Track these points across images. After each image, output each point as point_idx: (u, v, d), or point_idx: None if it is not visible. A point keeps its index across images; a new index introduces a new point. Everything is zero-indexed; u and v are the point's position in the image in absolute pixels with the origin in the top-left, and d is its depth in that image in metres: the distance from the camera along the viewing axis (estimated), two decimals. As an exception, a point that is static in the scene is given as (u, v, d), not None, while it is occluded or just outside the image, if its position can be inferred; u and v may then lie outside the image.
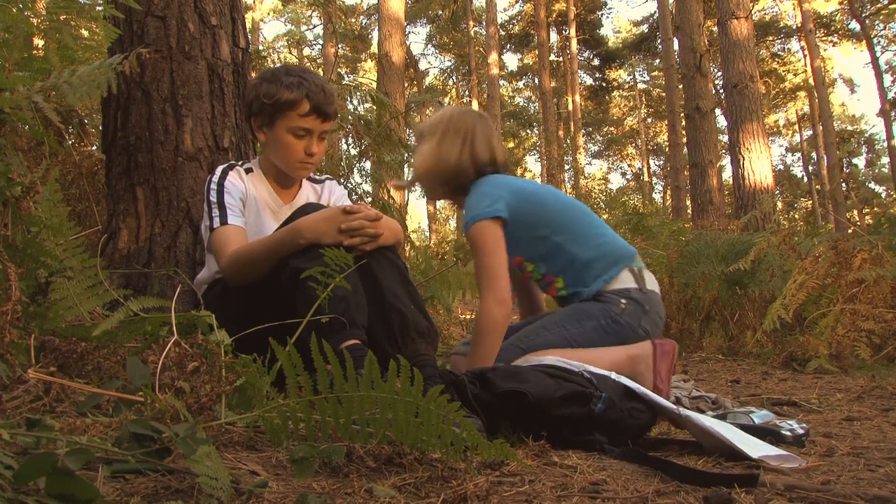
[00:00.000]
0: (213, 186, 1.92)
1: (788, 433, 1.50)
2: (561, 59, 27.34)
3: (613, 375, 1.60)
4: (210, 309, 1.67)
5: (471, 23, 24.34)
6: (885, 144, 24.99)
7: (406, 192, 5.03)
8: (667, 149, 22.99)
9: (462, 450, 1.06)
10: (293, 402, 1.07)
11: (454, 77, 32.40)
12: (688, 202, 13.39)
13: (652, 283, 2.05)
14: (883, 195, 30.52)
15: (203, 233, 1.95)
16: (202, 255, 2.22)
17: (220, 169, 1.98)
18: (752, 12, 10.54)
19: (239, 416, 1.17)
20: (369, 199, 3.97)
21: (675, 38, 14.66)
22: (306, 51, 29.69)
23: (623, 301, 1.96)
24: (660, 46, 20.06)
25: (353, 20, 27.11)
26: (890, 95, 23.82)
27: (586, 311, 1.97)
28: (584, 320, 1.95)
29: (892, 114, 22.14)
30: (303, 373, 1.07)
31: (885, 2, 22.28)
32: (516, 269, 2.14)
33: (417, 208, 46.51)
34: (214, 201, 1.89)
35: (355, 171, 4.21)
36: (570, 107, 23.12)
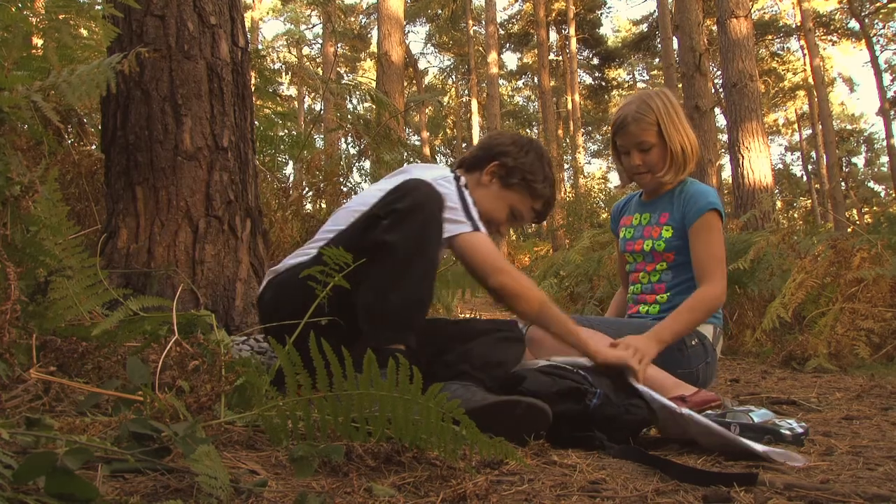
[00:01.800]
0: (462, 189, 1.80)
1: (788, 432, 1.50)
2: (560, 58, 27.33)
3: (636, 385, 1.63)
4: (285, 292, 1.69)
5: (470, 22, 24.34)
6: (885, 143, 25.02)
7: None
8: (666, 148, 22.89)
9: (461, 447, 1.06)
10: (291, 401, 1.07)
11: (453, 76, 32.42)
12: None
13: (718, 349, 2.19)
14: (882, 194, 30.55)
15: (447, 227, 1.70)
16: (201, 255, 2.22)
17: (449, 172, 1.89)
18: (752, 11, 10.54)
19: (238, 416, 1.17)
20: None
21: (674, 38, 14.66)
22: (305, 50, 29.71)
23: (695, 340, 2.08)
24: (659, 45, 20.07)
25: (353, 19, 27.11)
26: (889, 94, 23.84)
27: None
28: None
29: (892, 113, 22.15)
30: (302, 371, 1.07)
31: (885, 1, 22.28)
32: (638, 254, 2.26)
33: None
34: (468, 204, 1.77)
35: (354, 169, 4.21)
36: (570, 106, 23.12)
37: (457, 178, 1.83)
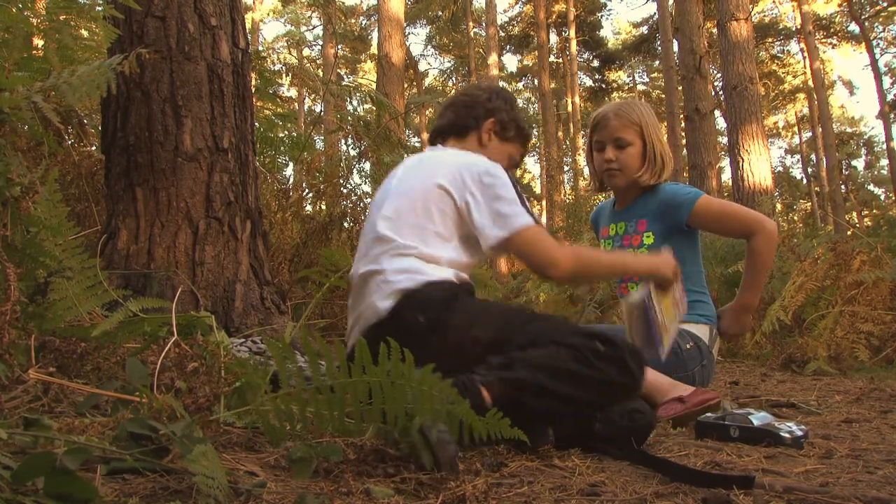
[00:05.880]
0: (509, 177, 1.74)
1: (787, 435, 1.50)
2: (560, 60, 27.34)
3: None
4: (435, 309, 1.55)
5: (470, 24, 24.34)
6: (885, 146, 25.02)
7: None
8: (666, 150, 22.90)
9: (457, 426, 1.07)
10: (285, 395, 1.07)
11: (454, 78, 32.41)
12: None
13: (716, 351, 2.21)
14: (882, 197, 30.56)
15: (497, 222, 1.66)
16: (201, 256, 2.22)
17: (486, 160, 1.79)
18: (752, 14, 10.55)
19: (235, 412, 1.17)
20: (368, 199, 3.97)
21: (674, 40, 14.67)
22: (306, 51, 29.72)
23: (690, 343, 2.08)
24: (659, 48, 20.07)
25: (353, 21, 27.12)
26: (889, 97, 23.86)
27: None
28: None
29: (892, 116, 22.15)
30: (294, 365, 1.07)
31: (885, 4, 22.30)
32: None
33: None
34: (516, 195, 1.71)
35: (354, 171, 4.21)
36: (570, 108, 23.12)
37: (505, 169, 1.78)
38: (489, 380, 1.35)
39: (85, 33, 2.36)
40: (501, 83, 24.57)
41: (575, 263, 1.70)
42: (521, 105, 2.01)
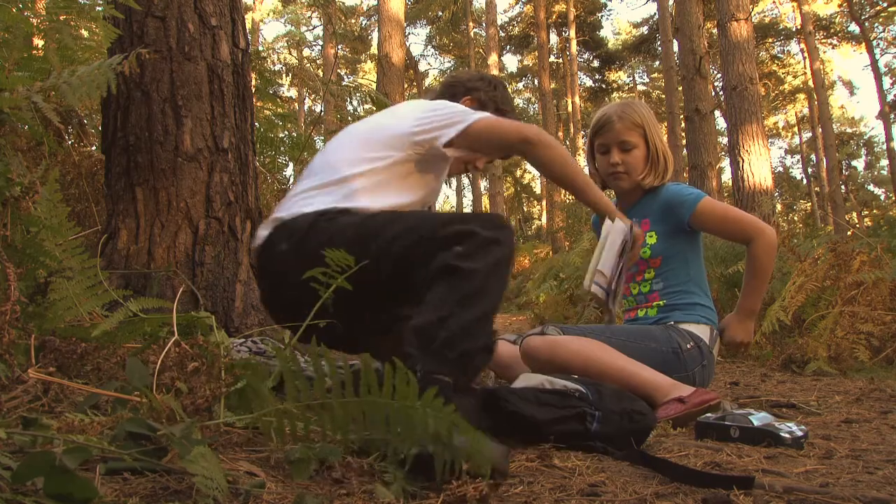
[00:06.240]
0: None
1: (787, 435, 1.50)
2: (561, 60, 27.33)
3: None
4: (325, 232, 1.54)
5: (471, 24, 24.34)
6: (885, 147, 25.03)
7: None
8: (666, 150, 22.91)
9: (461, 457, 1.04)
10: (290, 406, 1.07)
11: (454, 78, 32.37)
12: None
13: (716, 351, 2.20)
14: (882, 197, 30.56)
15: (450, 125, 1.70)
16: (201, 256, 2.22)
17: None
18: (752, 14, 10.55)
19: (238, 418, 1.17)
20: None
21: (674, 40, 14.66)
22: (306, 52, 29.72)
23: (691, 344, 2.08)
24: (659, 48, 20.07)
25: (353, 21, 27.12)
26: (889, 98, 23.86)
27: (653, 335, 2.08)
28: (648, 341, 2.05)
29: (892, 116, 22.15)
30: (301, 378, 1.06)
31: (885, 4, 22.30)
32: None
33: (417, 209, 46.40)
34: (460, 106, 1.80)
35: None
36: (570, 108, 23.13)
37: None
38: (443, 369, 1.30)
39: (85, 33, 2.36)
40: (501, 83, 24.52)
41: (541, 132, 1.74)
42: (508, 93, 2.05)
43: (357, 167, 1.69)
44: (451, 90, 1.99)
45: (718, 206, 2.18)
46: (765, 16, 25.06)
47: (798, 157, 32.57)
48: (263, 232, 1.68)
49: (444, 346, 1.31)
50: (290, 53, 26.56)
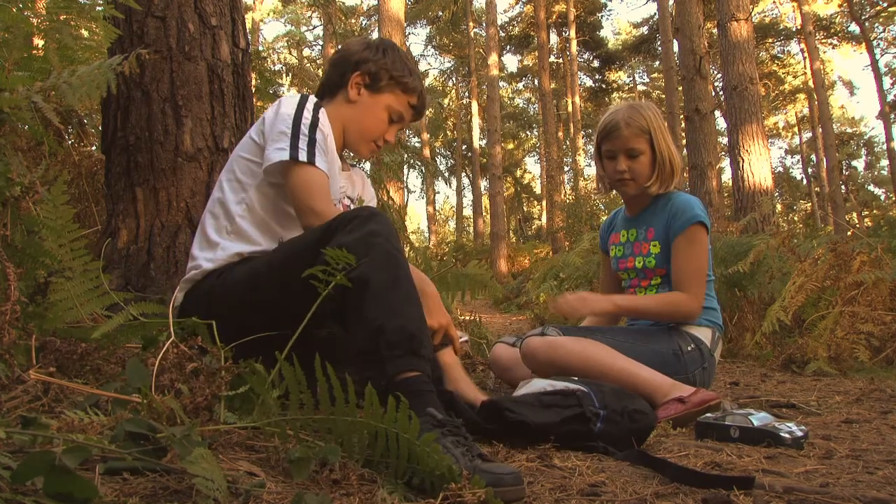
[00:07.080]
0: (307, 115, 1.69)
1: (787, 436, 1.50)
2: (561, 60, 27.34)
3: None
4: (206, 298, 1.63)
5: (471, 24, 24.34)
6: (885, 147, 25.03)
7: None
8: (666, 150, 22.89)
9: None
10: (293, 419, 1.07)
11: (454, 78, 32.43)
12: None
13: (717, 353, 2.20)
14: (882, 198, 30.55)
15: (268, 155, 1.66)
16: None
17: (310, 101, 1.74)
18: (752, 14, 10.55)
19: (238, 422, 1.17)
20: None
21: (674, 40, 14.67)
22: (306, 52, 29.72)
23: (692, 346, 2.09)
24: (659, 48, 20.08)
25: (354, 21, 27.10)
26: (889, 98, 23.86)
27: (654, 336, 2.10)
28: (648, 342, 2.07)
29: (892, 116, 22.15)
30: (306, 391, 1.07)
31: (885, 4, 22.30)
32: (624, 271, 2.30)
33: (416, 209, 46.52)
34: (305, 132, 1.65)
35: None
36: (570, 108, 23.12)
37: (317, 107, 1.73)
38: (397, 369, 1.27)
39: (85, 33, 2.36)
40: (501, 83, 24.58)
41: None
42: (401, 54, 1.86)
43: None
44: (339, 70, 1.87)
45: (695, 246, 2.11)
46: (765, 16, 25.08)
47: (798, 157, 32.59)
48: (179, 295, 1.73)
49: (392, 347, 1.28)
50: (290, 53, 26.56)
